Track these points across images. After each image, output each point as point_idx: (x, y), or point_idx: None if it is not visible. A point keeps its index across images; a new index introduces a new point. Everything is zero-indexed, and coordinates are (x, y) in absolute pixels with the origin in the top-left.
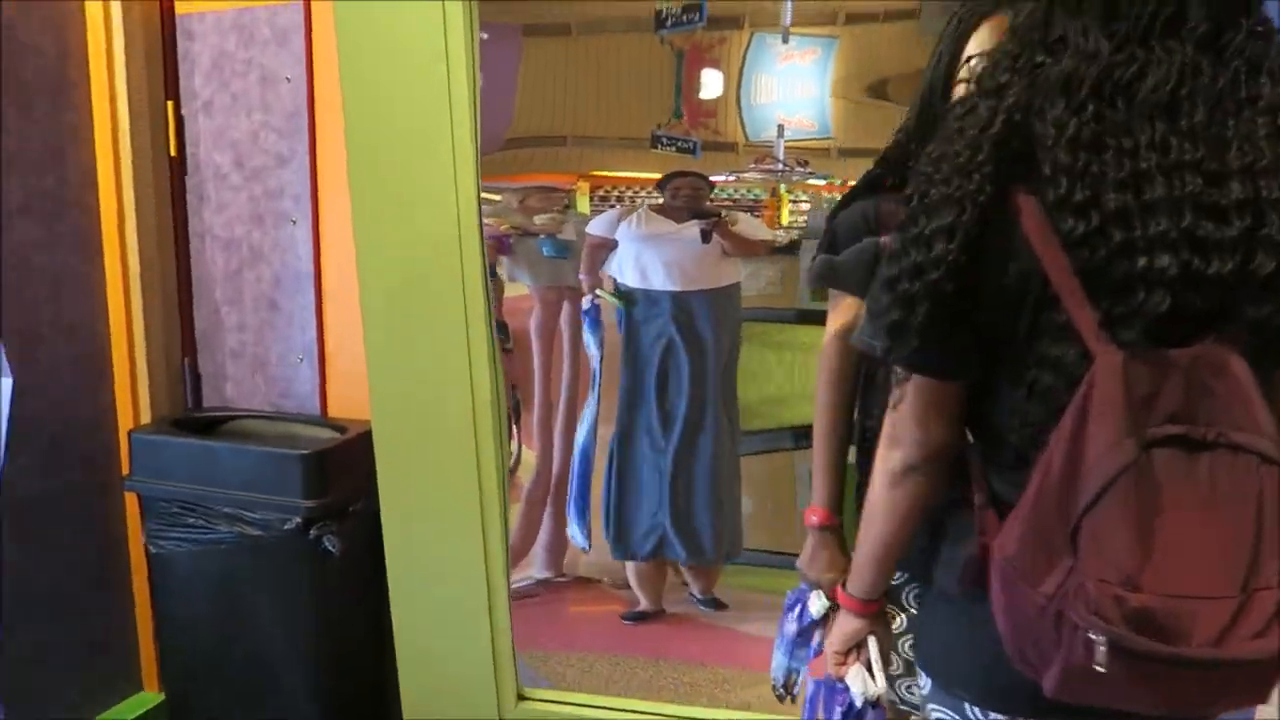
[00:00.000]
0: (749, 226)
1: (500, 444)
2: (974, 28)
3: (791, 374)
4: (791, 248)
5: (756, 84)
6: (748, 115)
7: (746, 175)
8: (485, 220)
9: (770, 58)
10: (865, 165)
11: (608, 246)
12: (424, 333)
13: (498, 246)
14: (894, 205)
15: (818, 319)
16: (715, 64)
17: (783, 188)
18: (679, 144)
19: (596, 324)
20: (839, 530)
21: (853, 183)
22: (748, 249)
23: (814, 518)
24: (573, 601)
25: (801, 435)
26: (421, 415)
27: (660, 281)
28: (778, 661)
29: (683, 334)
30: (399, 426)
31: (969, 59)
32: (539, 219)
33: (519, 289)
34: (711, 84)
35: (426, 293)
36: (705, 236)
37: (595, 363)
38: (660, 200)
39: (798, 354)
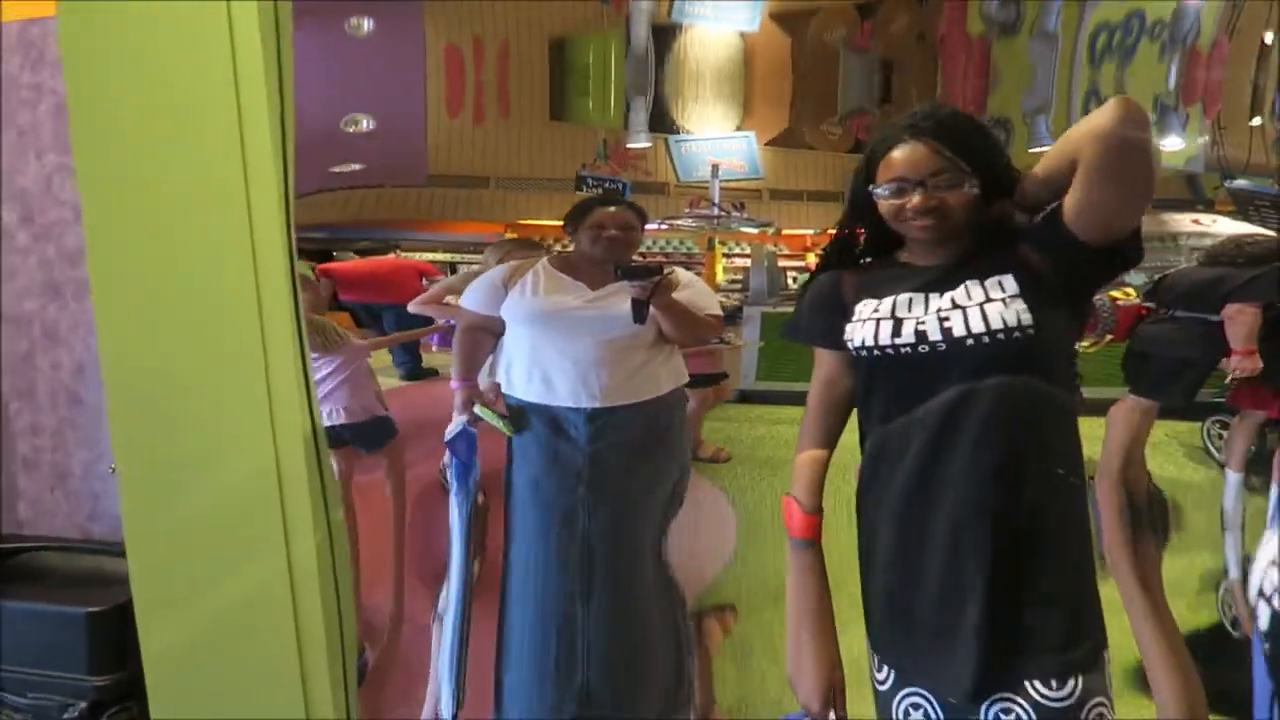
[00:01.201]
0: (697, 294)
1: (337, 603)
2: (887, 152)
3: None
4: (733, 315)
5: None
6: (678, 155)
7: (681, 222)
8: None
9: None
10: (795, 209)
11: (491, 330)
12: (205, 450)
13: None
14: (855, 276)
15: (763, 398)
16: None
17: (714, 241)
18: (606, 184)
19: (466, 467)
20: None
21: (791, 232)
22: (694, 330)
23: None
24: None
25: None
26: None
27: (569, 392)
28: None
29: (606, 479)
30: (166, 581)
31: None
32: None
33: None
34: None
35: (206, 390)
36: (639, 310)
37: (457, 523)
38: (569, 251)
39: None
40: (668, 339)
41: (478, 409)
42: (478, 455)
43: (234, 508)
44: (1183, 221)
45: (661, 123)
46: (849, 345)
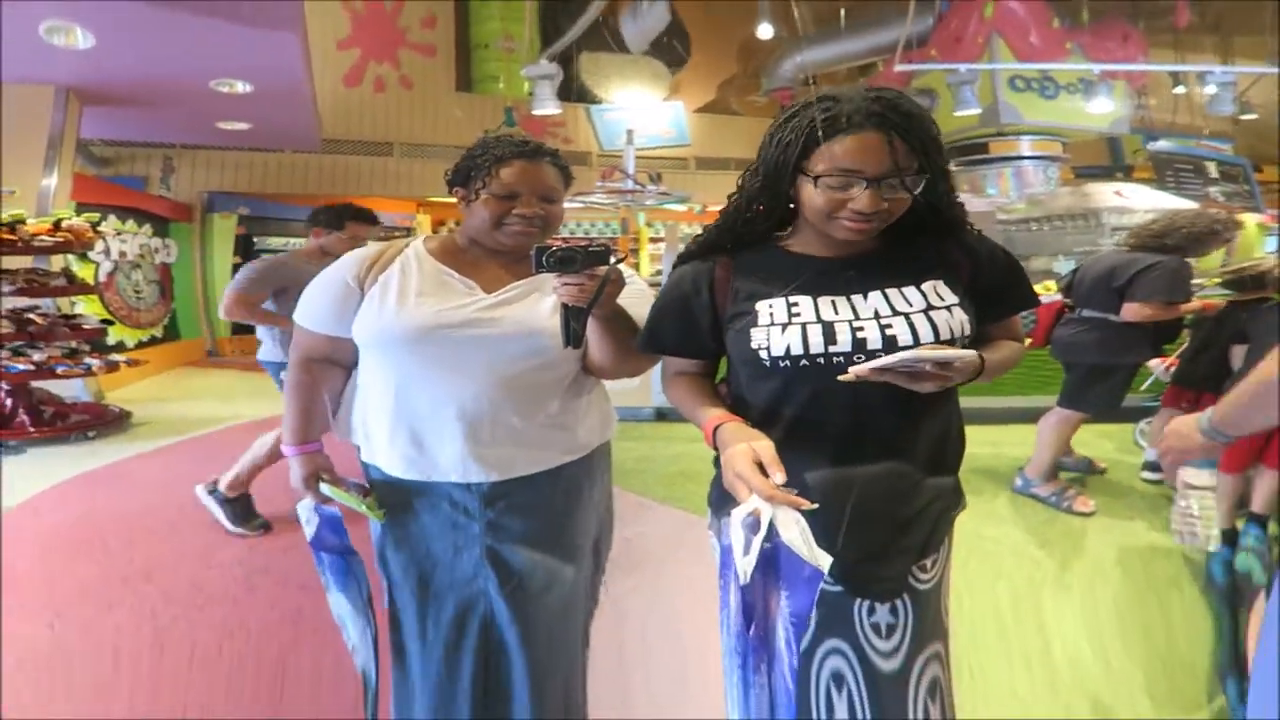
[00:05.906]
0: (638, 298)
1: None
2: (836, 135)
3: None
4: None
5: None
6: (601, 124)
7: (593, 199)
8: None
9: None
10: (721, 181)
11: (339, 361)
12: None
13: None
14: (731, 269)
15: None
16: None
17: (641, 219)
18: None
19: (345, 563)
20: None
21: (717, 208)
22: (626, 353)
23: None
24: None
25: None
26: None
27: (452, 461)
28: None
29: (513, 574)
30: None
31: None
32: None
33: None
34: None
35: None
36: (575, 325)
37: (361, 646)
38: (453, 234)
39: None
40: (592, 369)
41: (325, 488)
42: (348, 535)
43: None
44: (1105, 194)
45: (582, 95)
46: (758, 354)
